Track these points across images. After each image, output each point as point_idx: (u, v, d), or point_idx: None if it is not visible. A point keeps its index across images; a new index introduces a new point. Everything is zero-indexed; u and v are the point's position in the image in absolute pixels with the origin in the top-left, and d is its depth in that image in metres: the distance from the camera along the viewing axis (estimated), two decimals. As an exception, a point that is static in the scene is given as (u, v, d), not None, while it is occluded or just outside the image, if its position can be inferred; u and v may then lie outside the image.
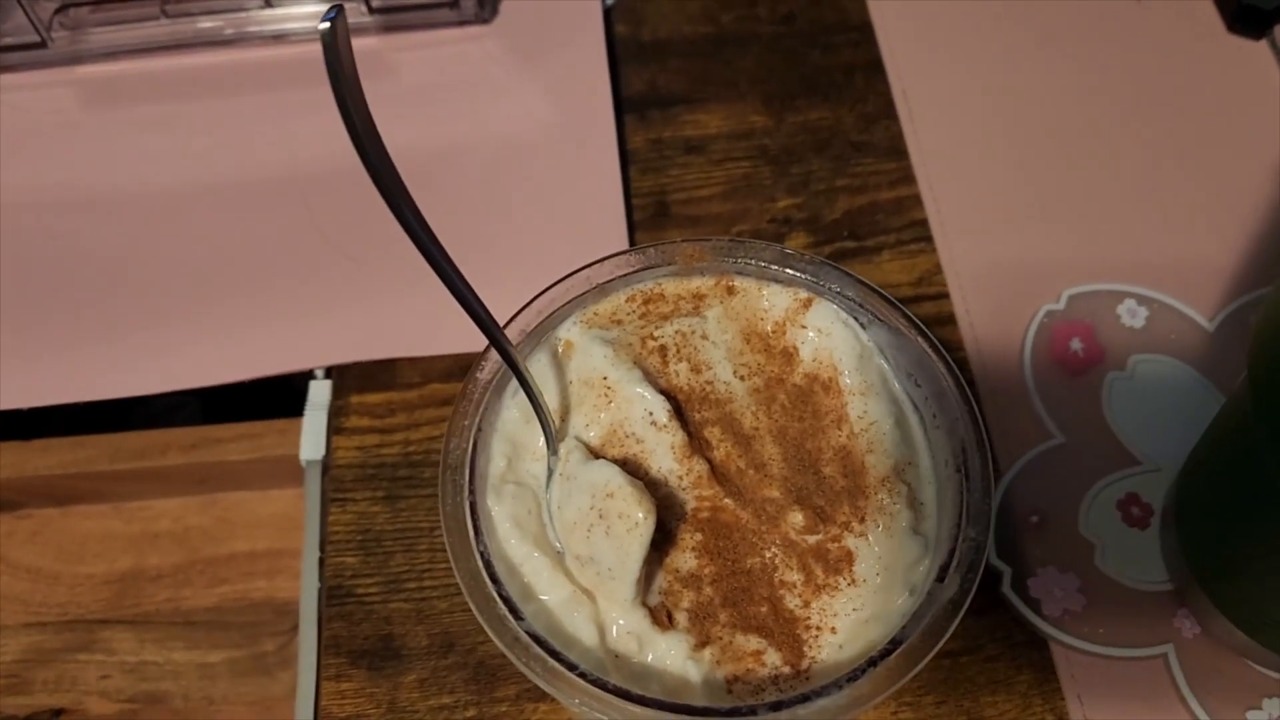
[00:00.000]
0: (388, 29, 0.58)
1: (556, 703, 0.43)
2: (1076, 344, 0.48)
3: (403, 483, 0.48)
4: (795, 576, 0.33)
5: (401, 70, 0.58)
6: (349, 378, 0.50)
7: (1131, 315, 0.49)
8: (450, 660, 0.44)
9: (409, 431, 0.49)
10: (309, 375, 0.51)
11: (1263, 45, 0.57)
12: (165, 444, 0.54)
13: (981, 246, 0.51)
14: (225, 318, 0.52)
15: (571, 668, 0.30)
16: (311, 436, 0.49)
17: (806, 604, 0.33)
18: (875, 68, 0.57)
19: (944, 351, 0.34)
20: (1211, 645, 0.43)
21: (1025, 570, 0.44)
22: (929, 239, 0.52)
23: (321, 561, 0.47)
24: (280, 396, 0.55)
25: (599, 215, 0.53)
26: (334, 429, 0.49)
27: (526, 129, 0.56)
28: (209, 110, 0.57)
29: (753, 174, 0.54)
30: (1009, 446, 0.47)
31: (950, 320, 0.50)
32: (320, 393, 0.50)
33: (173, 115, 0.57)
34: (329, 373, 0.50)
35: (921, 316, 0.50)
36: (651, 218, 0.53)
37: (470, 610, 0.44)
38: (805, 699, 0.29)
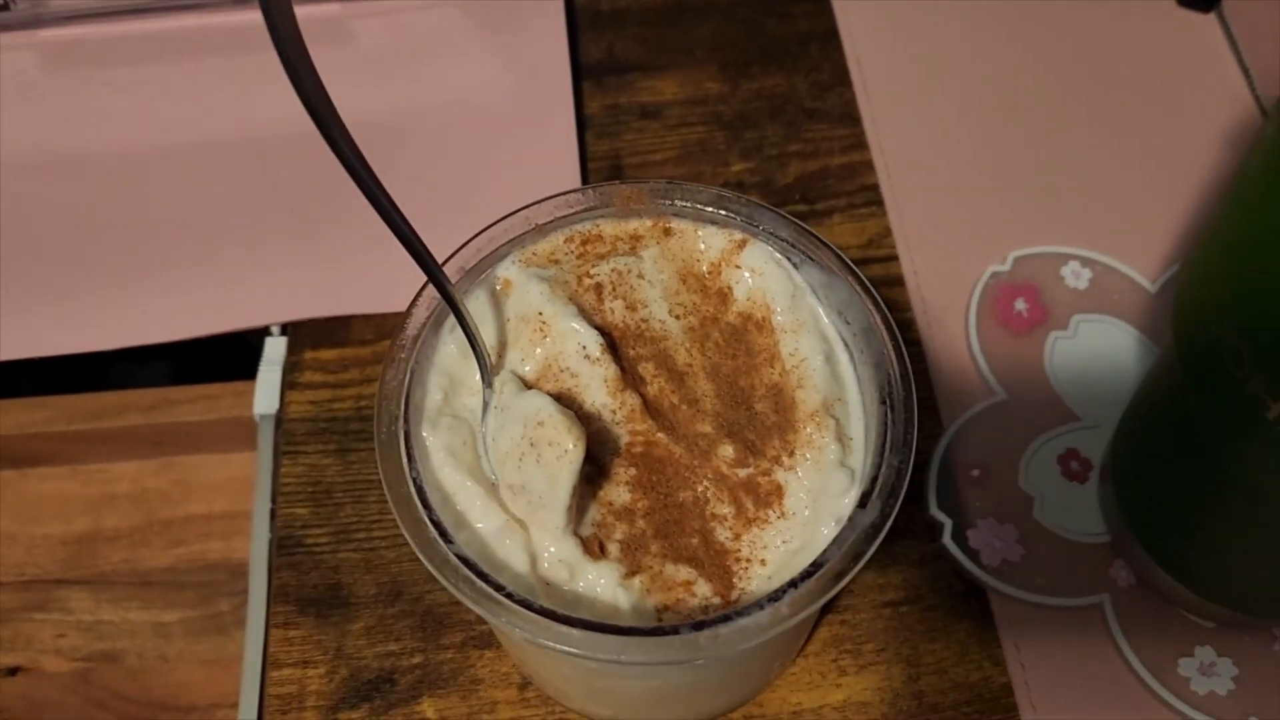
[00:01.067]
0: (349, -5, 0.59)
1: (501, 649, 0.43)
2: (1021, 304, 0.49)
3: (354, 436, 0.48)
4: (726, 510, 0.34)
5: (361, 37, 0.58)
6: (304, 334, 0.50)
7: (1075, 277, 0.50)
8: (397, 608, 0.44)
9: (361, 387, 0.49)
10: (265, 333, 0.51)
11: (1211, 18, 0.58)
12: (123, 405, 0.55)
13: (930, 210, 0.52)
14: (183, 276, 0.52)
15: (499, 589, 0.30)
16: (265, 391, 0.49)
17: (737, 536, 0.34)
18: (830, 37, 0.58)
19: (872, 289, 0.35)
20: (1146, 595, 0.43)
21: (965, 522, 0.45)
22: (879, 203, 0.53)
23: (273, 513, 0.47)
24: (238, 360, 0.56)
25: (555, 178, 0.53)
26: (288, 384, 0.49)
27: (484, 94, 0.56)
28: (169, 73, 0.57)
29: (707, 139, 0.55)
30: (952, 403, 0.47)
31: (899, 282, 0.51)
32: (275, 349, 0.50)
33: (133, 78, 0.57)
34: (285, 329, 0.51)
35: (871, 278, 0.51)
36: (606, 180, 0.54)
37: (417, 559, 0.45)
38: (727, 619, 0.30)
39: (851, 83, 0.56)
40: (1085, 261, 0.50)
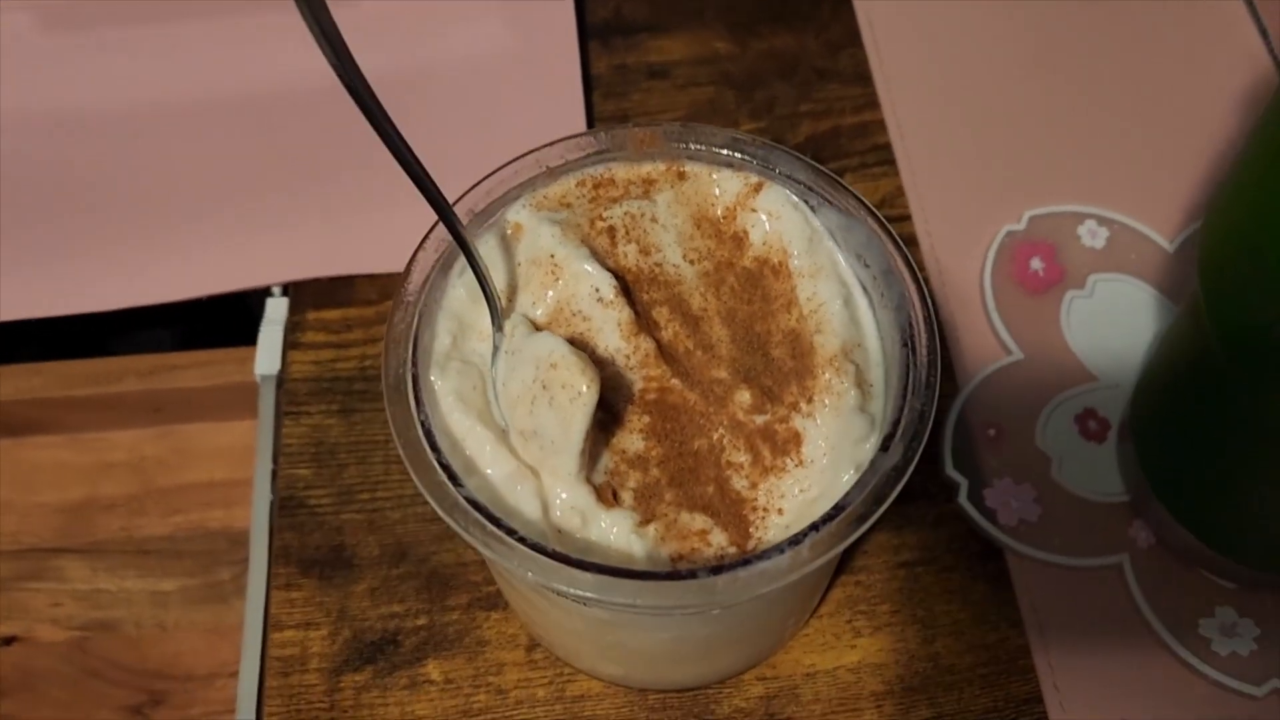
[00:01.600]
0: (352, -45, 0.58)
1: (508, 610, 0.42)
2: (1037, 264, 0.48)
3: (358, 396, 0.47)
4: (743, 458, 0.33)
5: (365, -4, 0.57)
6: (306, 294, 0.49)
7: (1092, 236, 0.49)
8: (402, 569, 0.43)
9: (365, 347, 0.48)
10: (266, 294, 0.50)
11: (1227, -20, 0.57)
12: (121, 370, 0.54)
13: (943, 169, 0.51)
14: (183, 236, 0.51)
15: (510, 532, 0.29)
16: (267, 351, 0.48)
17: (754, 485, 0.33)
18: (841, -3, 0.57)
19: (892, 230, 0.34)
20: (1166, 555, 0.42)
21: (982, 482, 0.44)
22: (891, 162, 0.52)
23: (274, 474, 0.46)
24: (239, 325, 0.55)
25: (561, 138, 0.52)
26: (290, 344, 0.48)
27: (490, 55, 0.55)
28: (168, 33, 0.56)
29: (716, 98, 0.54)
30: (967, 363, 0.47)
31: (912, 241, 0.50)
32: (277, 309, 0.49)
33: (132, 37, 0.56)
34: (286, 290, 0.50)
35: (883, 238, 0.50)
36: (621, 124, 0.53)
37: (423, 517, 0.44)
38: (746, 562, 0.29)
39: (863, 42, 0.55)
40: (1102, 220, 0.49)
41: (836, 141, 0.52)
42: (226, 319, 0.57)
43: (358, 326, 0.49)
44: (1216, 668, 0.41)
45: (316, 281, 0.50)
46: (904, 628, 0.42)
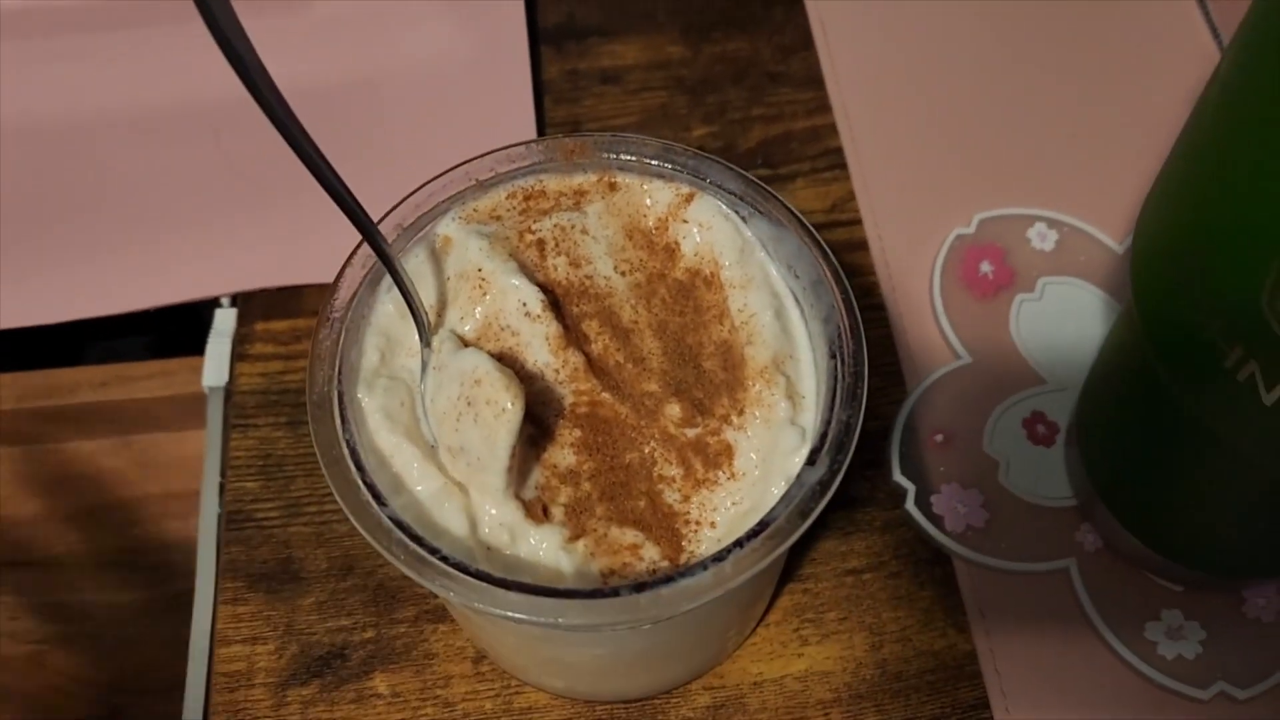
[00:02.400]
0: (302, -38, 0.57)
1: (455, 623, 0.42)
2: (986, 267, 0.48)
3: (306, 408, 0.47)
4: (674, 471, 0.33)
5: (315, 1, 0.57)
6: (255, 305, 0.49)
7: (1041, 239, 0.49)
8: (349, 583, 0.43)
9: (314, 358, 0.48)
10: (215, 304, 0.50)
11: (1180, -22, 0.57)
12: (75, 382, 0.53)
13: (894, 173, 0.51)
14: (131, 247, 0.51)
15: (434, 552, 0.29)
16: (214, 363, 0.48)
17: (686, 498, 0.33)
18: (794, 0, 0.57)
19: (821, 241, 0.33)
20: (1112, 559, 0.42)
21: (929, 487, 0.44)
22: (843, 166, 0.52)
23: (222, 487, 0.46)
24: (193, 334, 0.55)
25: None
26: (238, 355, 0.48)
27: (440, 59, 0.55)
28: (112, 40, 0.56)
29: (669, 103, 0.54)
30: (916, 368, 0.46)
31: (863, 246, 0.50)
32: (225, 320, 0.49)
33: (75, 47, 0.56)
34: (235, 301, 0.50)
35: (835, 242, 0.50)
36: (540, 138, 0.53)
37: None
38: (669, 580, 0.29)
39: (815, 46, 0.55)
40: (1051, 223, 0.49)
41: (788, 146, 0.52)
42: (182, 328, 0.57)
43: (306, 338, 0.48)
44: (1163, 671, 0.40)
45: (265, 292, 0.49)
46: (851, 635, 0.42)
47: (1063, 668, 0.41)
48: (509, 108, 0.53)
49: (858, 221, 0.50)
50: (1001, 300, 0.48)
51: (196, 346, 0.53)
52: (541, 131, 0.53)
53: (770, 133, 0.53)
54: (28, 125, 0.54)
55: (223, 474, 0.46)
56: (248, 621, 0.43)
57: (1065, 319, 0.47)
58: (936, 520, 0.43)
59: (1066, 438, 0.44)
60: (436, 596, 0.42)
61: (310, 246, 0.50)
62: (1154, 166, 0.51)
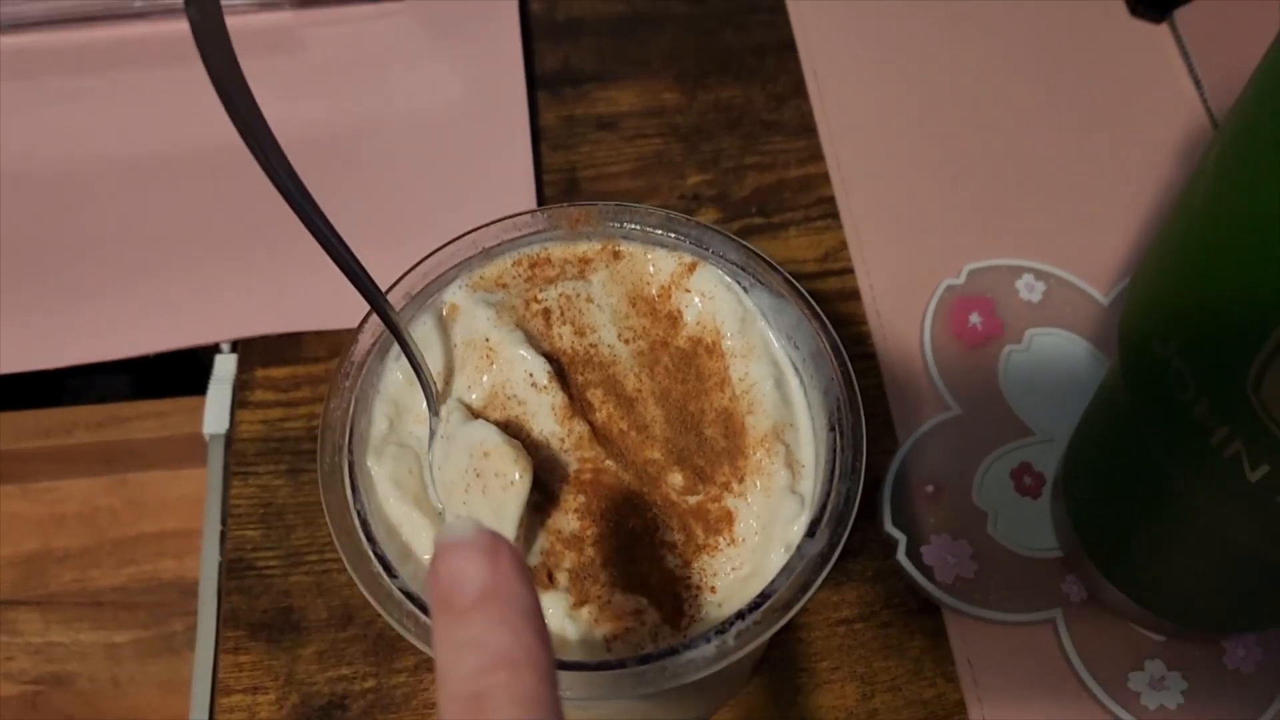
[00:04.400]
0: (300, 4, 0.58)
1: (455, 672, 0.43)
2: (975, 318, 0.49)
3: (306, 456, 0.47)
4: (676, 537, 0.34)
5: (313, 46, 0.57)
6: (254, 351, 0.50)
7: (1029, 290, 0.50)
8: (349, 633, 0.44)
9: (314, 405, 0.48)
10: (215, 350, 0.50)
11: (1164, 29, 0.58)
12: (72, 422, 0.54)
13: (886, 223, 0.52)
14: (129, 291, 0.51)
15: (443, 624, 0.30)
16: (215, 410, 0.49)
17: (687, 564, 0.33)
18: (787, 48, 0.58)
19: (820, 313, 0.34)
20: (1097, 610, 0.44)
21: (919, 538, 0.45)
22: (835, 215, 0.53)
23: (223, 535, 0.46)
24: (190, 375, 0.55)
25: (509, 192, 0.53)
26: (238, 402, 0.49)
27: (438, 106, 0.55)
28: (117, 83, 0.56)
29: (664, 150, 0.55)
30: (907, 418, 0.47)
31: (855, 295, 0.51)
32: (225, 366, 0.50)
33: (80, 89, 0.56)
34: (235, 347, 0.50)
35: (827, 292, 0.51)
36: (562, 194, 0.53)
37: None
38: (673, 651, 0.30)
39: (808, 94, 0.56)
40: (1039, 274, 0.50)
41: (781, 195, 0.53)
42: (178, 368, 0.57)
43: (306, 384, 0.49)
44: (1146, 721, 0.42)
45: (264, 338, 0.50)
46: (843, 684, 0.43)
47: (1049, 717, 0.42)
48: (507, 153, 0.54)
49: (850, 270, 0.51)
50: (990, 351, 0.49)
51: (190, 387, 0.53)
52: (539, 178, 0.54)
53: (764, 181, 0.54)
54: (26, 168, 0.54)
55: (223, 521, 0.46)
56: (249, 671, 0.43)
57: (1052, 370, 0.48)
58: (927, 571, 0.44)
59: (1053, 490, 0.45)
60: (437, 647, 0.43)
61: (310, 292, 0.50)
62: (1139, 218, 0.52)
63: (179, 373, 0.57)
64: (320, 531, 0.46)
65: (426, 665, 0.43)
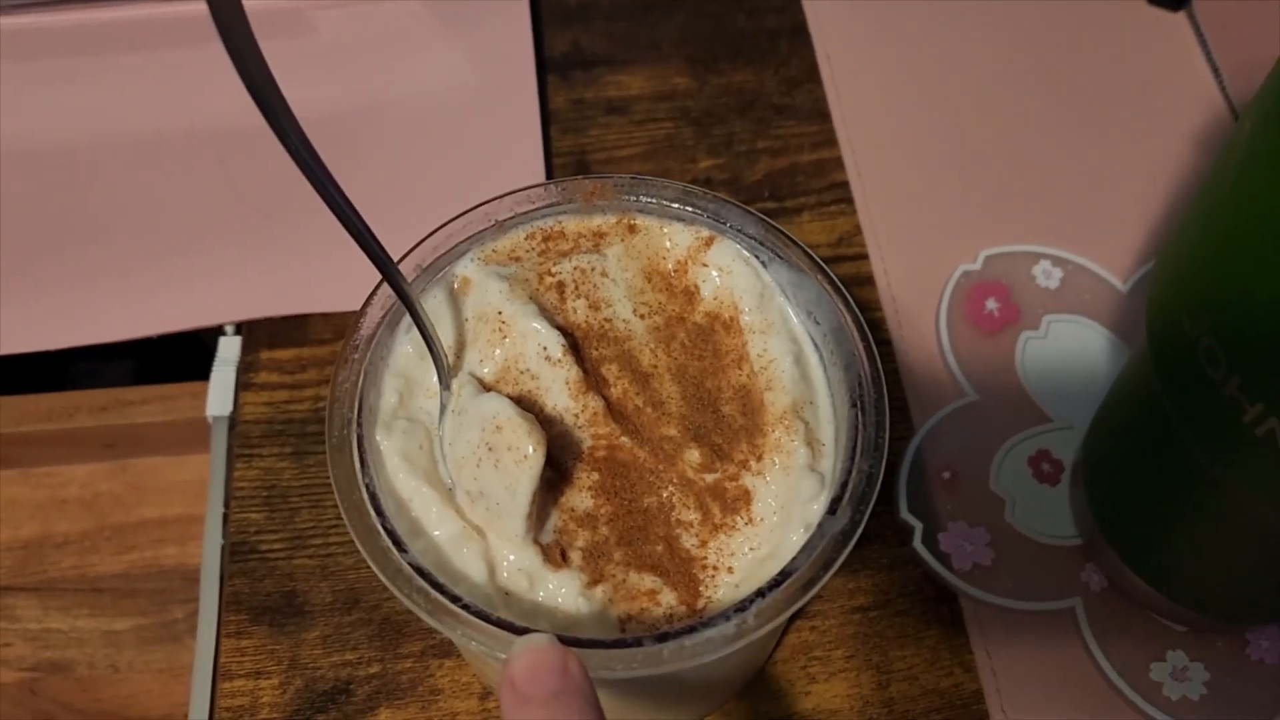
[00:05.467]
0: (309, -14, 0.57)
1: (461, 659, 0.42)
2: (992, 304, 0.49)
3: (311, 439, 0.47)
4: (692, 516, 0.33)
5: (322, 30, 0.57)
6: (259, 333, 0.49)
7: (1046, 276, 0.49)
8: (354, 617, 0.43)
9: (319, 388, 0.48)
10: (219, 332, 0.50)
11: (1181, 17, 0.57)
12: (74, 406, 0.53)
13: (901, 208, 0.51)
14: (135, 273, 0.50)
15: (455, 599, 0.29)
16: (219, 392, 0.48)
17: (704, 543, 0.33)
18: (799, 32, 0.57)
19: (842, 288, 0.34)
20: (1117, 599, 0.43)
21: (936, 525, 0.44)
22: (849, 200, 0.52)
23: (225, 518, 0.45)
24: (194, 360, 0.54)
25: (519, 174, 0.52)
26: (243, 385, 0.48)
27: (447, 89, 0.55)
28: (119, 64, 0.56)
29: (675, 134, 0.54)
30: (923, 404, 0.47)
31: (869, 281, 0.50)
32: (229, 348, 0.49)
33: (82, 69, 0.56)
34: (239, 329, 0.49)
35: (841, 277, 0.50)
36: (560, 178, 0.53)
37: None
38: (692, 630, 0.29)
39: (821, 79, 0.56)
40: (1056, 261, 0.50)
41: (794, 179, 0.53)
42: (181, 352, 0.57)
43: (311, 367, 0.48)
44: (1168, 712, 0.41)
45: (270, 320, 0.49)
46: (859, 673, 0.42)
47: (1069, 708, 0.41)
48: (516, 136, 0.53)
49: (864, 256, 0.51)
50: (1007, 337, 0.48)
51: (193, 372, 0.53)
52: (549, 161, 0.53)
53: (776, 165, 0.53)
54: (31, 149, 0.53)
55: (226, 504, 0.46)
56: (251, 655, 0.42)
57: (1070, 357, 0.47)
58: (943, 558, 0.43)
59: (1072, 477, 0.45)
60: (444, 632, 0.42)
61: (316, 275, 0.50)
62: (1156, 205, 0.52)
63: (182, 358, 0.57)
64: (325, 514, 0.45)
65: (433, 651, 0.42)
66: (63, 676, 0.53)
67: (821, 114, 0.55)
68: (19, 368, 0.53)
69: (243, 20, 0.24)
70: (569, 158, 0.53)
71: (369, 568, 0.43)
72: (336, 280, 0.50)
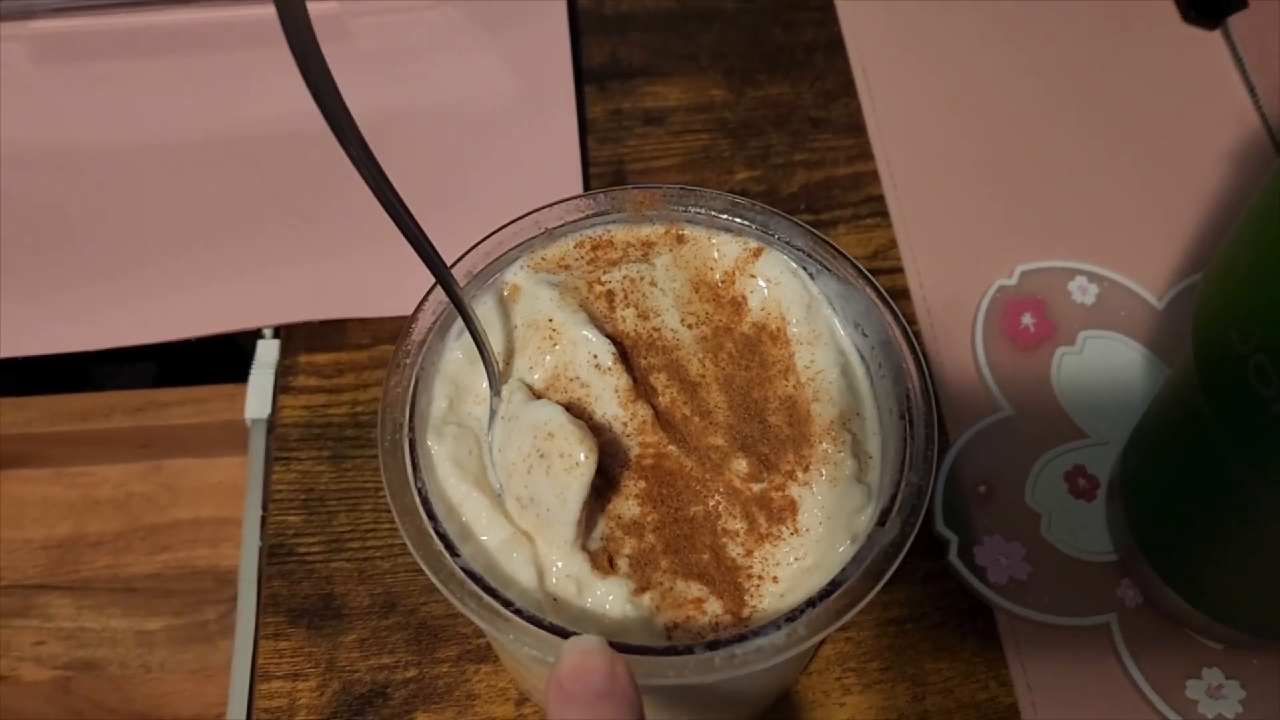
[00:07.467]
0: (348, -6, 0.58)
1: (498, 663, 0.42)
2: (1028, 319, 0.49)
3: (349, 443, 0.47)
4: (738, 525, 0.33)
5: (360, 36, 0.57)
6: (297, 337, 0.49)
7: (1083, 292, 0.49)
8: (391, 620, 0.43)
9: (357, 392, 0.48)
10: (257, 336, 0.50)
11: (1216, 35, 0.58)
12: (109, 406, 0.53)
13: (937, 222, 0.52)
14: (175, 275, 0.51)
15: (507, 604, 0.29)
16: (257, 395, 0.48)
17: (749, 553, 0.33)
18: (836, 46, 0.57)
19: (890, 300, 0.34)
20: (1153, 615, 0.43)
21: (972, 539, 0.44)
22: (885, 214, 0.52)
23: (263, 520, 0.46)
24: (229, 362, 0.55)
25: (556, 184, 0.52)
26: (281, 388, 0.48)
27: (486, 97, 0.55)
28: (161, 68, 0.56)
29: (711, 146, 0.54)
30: (959, 418, 0.47)
31: (905, 295, 0.50)
32: (268, 352, 0.49)
33: (124, 72, 0.56)
34: (277, 332, 0.50)
35: (876, 290, 0.50)
36: (609, 187, 0.53)
37: (413, 568, 0.44)
38: (742, 638, 0.29)
39: (857, 92, 0.56)
40: (1092, 277, 0.50)
41: (830, 192, 0.53)
42: (216, 355, 0.57)
43: (349, 371, 0.48)
44: (1203, 729, 0.41)
45: (308, 324, 0.49)
46: (894, 685, 0.42)
47: (1104, 724, 0.41)
48: (554, 146, 0.53)
49: (899, 269, 0.51)
50: (1043, 352, 0.48)
51: (227, 374, 0.53)
52: (586, 171, 0.53)
53: (812, 178, 0.53)
54: (71, 151, 0.54)
55: (264, 507, 0.46)
56: (289, 657, 0.43)
57: (1105, 373, 0.48)
58: (979, 572, 0.43)
59: (1108, 492, 0.45)
60: (480, 636, 0.42)
61: (352, 280, 0.50)
62: (1193, 222, 0.52)
63: (216, 359, 0.57)
64: (363, 518, 0.45)
65: (469, 656, 0.42)
66: (95, 675, 0.53)
67: (857, 127, 0.55)
68: (55, 366, 0.53)
69: (307, 24, 0.25)
70: (606, 168, 0.54)
71: (406, 572, 0.44)
72: (374, 285, 0.50)
